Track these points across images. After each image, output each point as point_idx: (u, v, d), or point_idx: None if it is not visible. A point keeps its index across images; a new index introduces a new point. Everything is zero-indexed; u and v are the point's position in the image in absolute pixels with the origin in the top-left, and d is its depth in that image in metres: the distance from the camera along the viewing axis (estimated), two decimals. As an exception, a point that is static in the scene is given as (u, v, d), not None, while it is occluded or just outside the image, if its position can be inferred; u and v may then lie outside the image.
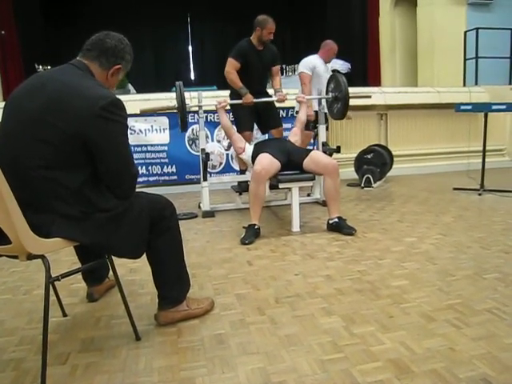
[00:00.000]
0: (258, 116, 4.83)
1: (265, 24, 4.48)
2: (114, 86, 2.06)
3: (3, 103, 1.91)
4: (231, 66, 4.53)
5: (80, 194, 1.74)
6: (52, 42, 9.77)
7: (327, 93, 4.58)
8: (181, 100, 4.09)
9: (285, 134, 5.46)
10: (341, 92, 4.28)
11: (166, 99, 5.95)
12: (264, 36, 4.52)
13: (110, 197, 1.85)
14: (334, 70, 9.11)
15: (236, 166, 5.90)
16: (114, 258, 1.98)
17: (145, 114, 5.72)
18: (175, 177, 6.03)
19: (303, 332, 2.04)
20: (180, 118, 4.21)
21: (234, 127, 4.40)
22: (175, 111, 4.33)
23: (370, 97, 4.94)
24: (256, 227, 3.62)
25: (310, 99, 4.82)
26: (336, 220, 3.72)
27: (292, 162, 3.78)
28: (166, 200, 2.12)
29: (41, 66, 7.75)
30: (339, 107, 4.38)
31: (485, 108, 5.11)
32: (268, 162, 3.62)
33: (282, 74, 10.39)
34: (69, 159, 1.72)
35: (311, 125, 5.09)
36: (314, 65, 5.34)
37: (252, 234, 3.57)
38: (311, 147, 5.35)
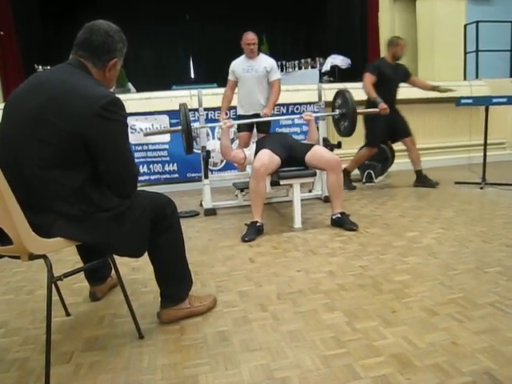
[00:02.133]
0: (391, 126, 5.18)
1: (397, 42, 5.17)
2: (115, 78, 2.02)
3: (3, 104, 1.91)
4: (368, 80, 5.03)
5: (81, 194, 1.74)
6: (51, 42, 9.73)
7: (333, 109, 4.50)
8: (186, 122, 4.00)
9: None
10: (348, 109, 4.20)
11: (167, 97, 5.96)
12: (398, 52, 5.16)
13: (111, 196, 1.85)
14: (334, 66, 9.17)
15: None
16: (116, 256, 1.98)
17: (145, 113, 5.76)
18: (176, 175, 6.03)
19: (306, 328, 2.04)
20: (185, 140, 4.10)
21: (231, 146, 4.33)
22: (179, 132, 4.28)
23: (378, 111, 4.88)
24: (258, 224, 3.62)
25: (320, 116, 4.79)
26: (338, 215, 3.72)
27: (294, 158, 3.78)
28: (167, 198, 2.12)
29: (40, 67, 7.73)
30: (346, 125, 4.29)
31: (485, 101, 5.10)
32: (267, 159, 3.62)
33: (282, 71, 10.39)
34: (69, 159, 1.72)
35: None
36: (232, 67, 4.94)
37: (253, 231, 3.57)
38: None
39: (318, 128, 4.86)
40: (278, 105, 5.71)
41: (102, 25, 1.91)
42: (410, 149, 5.33)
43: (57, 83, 1.76)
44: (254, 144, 4.17)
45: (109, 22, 1.95)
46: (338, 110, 4.42)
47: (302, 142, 4.42)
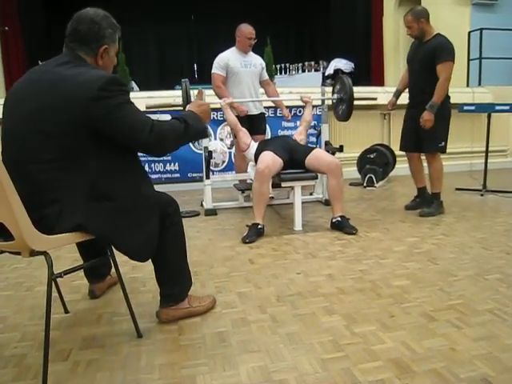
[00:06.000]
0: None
1: None
2: (111, 65, 2.03)
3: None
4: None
5: (84, 186, 1.74)
6: (55, 37, 9.72)
7: (333, 94, 4.54)
8: (186, 97, 3.97)
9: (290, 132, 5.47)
10: (346, 93, 4.26)
11: (170, 97, 5.95)
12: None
13: (119, 186, 1.84)
14: (337, 70, 9.17)
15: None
16: (116, 255, 1.98)
17: (148, 110, 5.74)
18: (178, 175, 6.04)
19: (304, 331, 2.04)
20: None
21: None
22: (180, 108, 4.28)
23: (375, 98, 4.89)
24: (259, 227, 3.61)
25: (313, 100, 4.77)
26: (338, 219, 3.71)
27: (295, 160, 3.77)
28: (169, 197, 2.11)
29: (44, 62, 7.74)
30: (344, 109, 4.34)
31: (488, 108, 5.10)
32: (271, 161, 3.62)
33: (286, 73, 10.39)
34: (73, 150, 1.72)
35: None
36: (226, 60, 4.56)
37: (254, 233, 3.56)
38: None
39: (320, 131, 4.87)
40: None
41: (87, 13, 1.93)
42: None
43: (55, 76, 1.77)
44: (256, 143, 4.16)
45: (96, 9, 1.96)
46: (336, 95, 4.48)
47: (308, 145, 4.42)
